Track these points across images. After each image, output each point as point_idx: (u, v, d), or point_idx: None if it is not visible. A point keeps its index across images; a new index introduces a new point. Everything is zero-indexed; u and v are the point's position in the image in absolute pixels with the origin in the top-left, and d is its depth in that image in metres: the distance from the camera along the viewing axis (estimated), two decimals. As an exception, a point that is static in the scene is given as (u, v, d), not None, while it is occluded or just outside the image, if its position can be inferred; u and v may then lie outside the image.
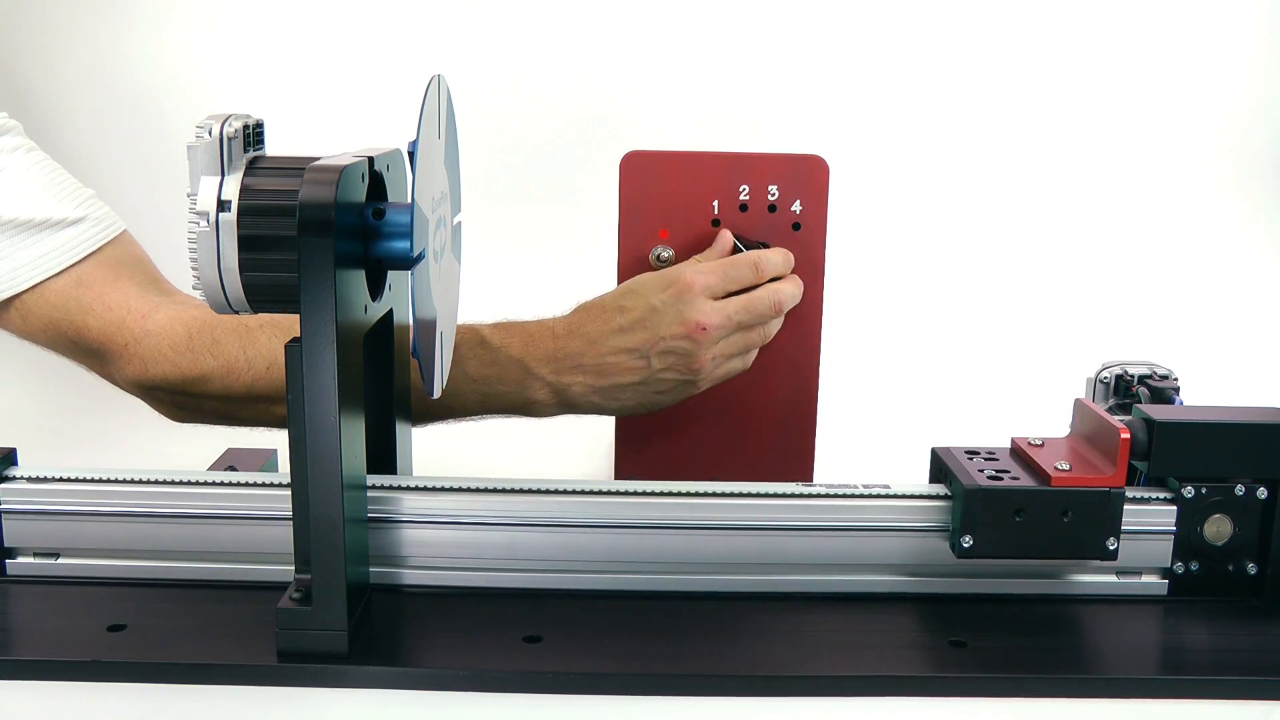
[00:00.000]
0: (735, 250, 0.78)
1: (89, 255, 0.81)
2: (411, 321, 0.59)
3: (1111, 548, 0.64)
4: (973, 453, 0.69)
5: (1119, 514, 0.64)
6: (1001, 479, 0.65)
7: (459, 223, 0.72)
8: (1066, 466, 0.64)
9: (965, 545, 0.64)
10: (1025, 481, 0.65)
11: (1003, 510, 0.64)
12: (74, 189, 0.83)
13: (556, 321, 0.78)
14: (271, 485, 0.67)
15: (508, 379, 0.77)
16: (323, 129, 1.22)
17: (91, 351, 0.81)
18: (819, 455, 0.84)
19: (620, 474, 0.85)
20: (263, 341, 0.78)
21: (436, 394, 0.65)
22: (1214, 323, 1.30)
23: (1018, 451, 0.69)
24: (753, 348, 0.78)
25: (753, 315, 0.76)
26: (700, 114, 1.28)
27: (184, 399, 0.80)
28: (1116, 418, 0.66)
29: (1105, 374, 0.77)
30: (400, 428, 0.71)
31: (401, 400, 0.71)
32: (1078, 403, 0.70)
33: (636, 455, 0.85)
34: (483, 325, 0.79)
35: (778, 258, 0.78)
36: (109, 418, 0.94)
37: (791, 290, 0.78)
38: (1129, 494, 0.65)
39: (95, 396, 0.90)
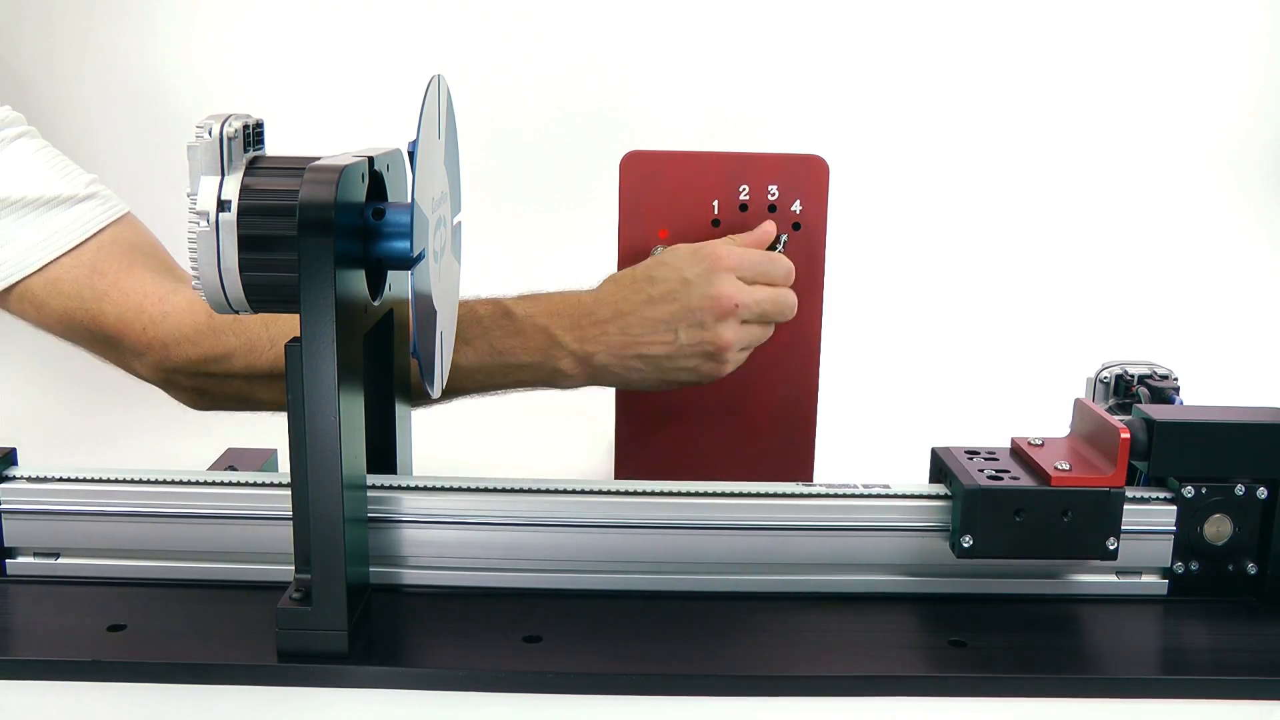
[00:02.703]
0: (773, 247, 0.78)
1: (99, 232, 0.80)
2: (411, 322, 0.59)
3: (1111, 547, 0.64)
4: (973, 453, 0.69)
5: (1119, 514, 0.64)
6: (1001, 479, 0.65)
7: (459, 223, 0.72)
8: (1067, 466, 0.64)
9: (965, 545, 0.64)
10: (1026, 481, 0.65)
11: (1003, 510, 0.64)
12: (79, 172, 0.83)
13: (584, 293, 0.78)
14: (271, 485, 0.67)
15: (533, 348, 0.77)
16: (323, 129, 1.22)
17: (108, 339, 0.80)
18: (819, 455, 0.84)
19: (620, 474, 0.85)
20: (285, 320, 0.77)
21: (436, 394, 0.65)
22: (1214, 323, 1.30)
23: (1018, 451, 0.69)
24: (755, 345, 0.78)
25: (777, 310, 0.76)
26: (701, 113, 1.28)
27: (206, 381, 0.79)
28: (1117, 417, 0.66)
29: (1105, 374, 0.77)
30: (400, 427, 0.71)
31: (401, 400, 0.71)
32: (1078, 403, 0.70)
33: (636, 455, 0.85)
34: (506, 297, 0.78)
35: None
36: (109, 416, 0.94)
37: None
38: (1129, 494, 0.65)
39: (95, 395, 0.90)
